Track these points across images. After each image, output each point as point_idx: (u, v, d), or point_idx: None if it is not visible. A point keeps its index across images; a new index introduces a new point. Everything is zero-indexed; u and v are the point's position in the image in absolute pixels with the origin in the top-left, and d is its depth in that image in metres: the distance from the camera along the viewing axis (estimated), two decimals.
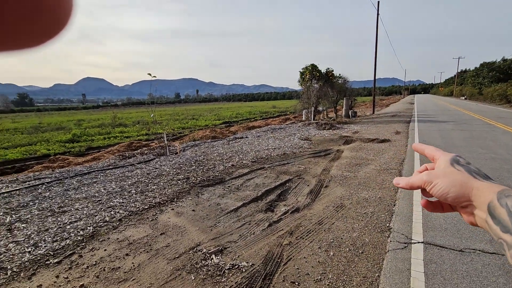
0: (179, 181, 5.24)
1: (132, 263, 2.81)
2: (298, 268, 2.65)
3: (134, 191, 4.69)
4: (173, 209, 4.03)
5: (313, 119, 16.05)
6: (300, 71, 18.39)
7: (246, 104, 76.21)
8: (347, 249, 2.95)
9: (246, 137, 10.42)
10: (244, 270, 2.64)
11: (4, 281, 2.56)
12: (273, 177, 5.36)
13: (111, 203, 4.18)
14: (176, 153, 7.56)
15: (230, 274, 2.59)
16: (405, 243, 3.02)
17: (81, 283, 2.52)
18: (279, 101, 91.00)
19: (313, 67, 17.67)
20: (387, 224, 3.45)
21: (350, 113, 18.38)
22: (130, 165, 6.34)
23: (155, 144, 10.90)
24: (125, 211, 3.94)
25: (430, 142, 8.45)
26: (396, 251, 2.89)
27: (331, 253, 2.87)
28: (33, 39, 0.20)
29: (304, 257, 2.82)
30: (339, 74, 18.51)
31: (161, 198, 4.41)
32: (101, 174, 5.70)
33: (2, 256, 2.89)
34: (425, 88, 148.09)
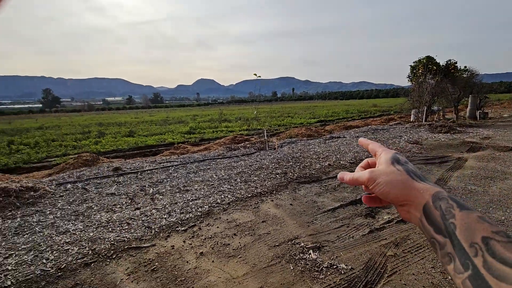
0: (277, 175, 5.54)
1: (239, 242, 3.20)
2: (405, 284, 2.43)
3: (239, 180, 5.26)
4: (272, 201, 4.32)
5: (425, 120, 13.87)
6: (411, 65, 16.18)
7: (342, 102, 72.41)
8: None
9: (344, 137, 9.97)
10: (342, 272, 2.62)
11: (150, 237, 3.36)
12: None
13: (221, 188, 4.84)
14: (274, 149, 7.98)
15: (328, 273, 2.62)
16: None
17: (200, 251, 3.05)
18: (381, 100, 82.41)
19: (429, 59, 15.23)
20: None
21: (477, 113, 14.96)
22: (235, 157, 7.11)
23: (255, 139, 11.76)
24: (232, 196, 4.48)
25: None
26: None
27: (449, 277, 2.49)
28: None
29: (413, 274, 2.55)
30: (465, 67, 15.30)
31: (261, 189, 4.79)
32: (213, 162, 6.63)
33: (149, 218, 3.79)
34: None
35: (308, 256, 2.89)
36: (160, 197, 4.52)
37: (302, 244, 3.10)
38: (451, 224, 0.36)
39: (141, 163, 6.57)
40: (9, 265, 2.78)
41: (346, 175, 0.50)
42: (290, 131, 13.49)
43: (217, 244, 3.18)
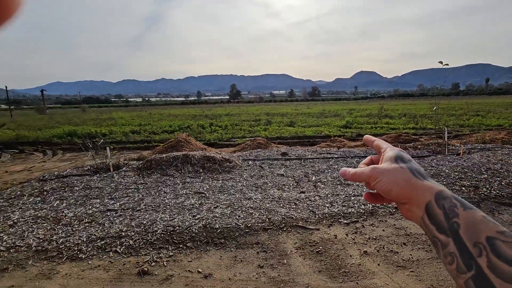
0: (463, 188, 4.45)
1: (410, 254, 2.85)
2: None
3: None
4: None
5: None
6: None
7: None
8: None
9: None
10: None
11: (314, 221, 3.60)
12: None
13: None
14: (458, 154, 6.40)
15: None
16: None
17: (364, 249, 2.97)
18: None
19: None
20: None
21: None
22: None
23: (425, 139, 9.94)
24: None
25: None
26: None
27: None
28: None
29: None
30: None
31: None
32: None
33: (312, 203, 4.08)
34: None
35: None
36: (322, 186, 4.73)
37: None
38: (455, 224, 0.35)
39: (303, 152, 7.12)
40: (216, 214, 3.83)
41: (348, 170, 0.49)
42: (481, 134, 10.40)
43: (383, 248, 2.98)
